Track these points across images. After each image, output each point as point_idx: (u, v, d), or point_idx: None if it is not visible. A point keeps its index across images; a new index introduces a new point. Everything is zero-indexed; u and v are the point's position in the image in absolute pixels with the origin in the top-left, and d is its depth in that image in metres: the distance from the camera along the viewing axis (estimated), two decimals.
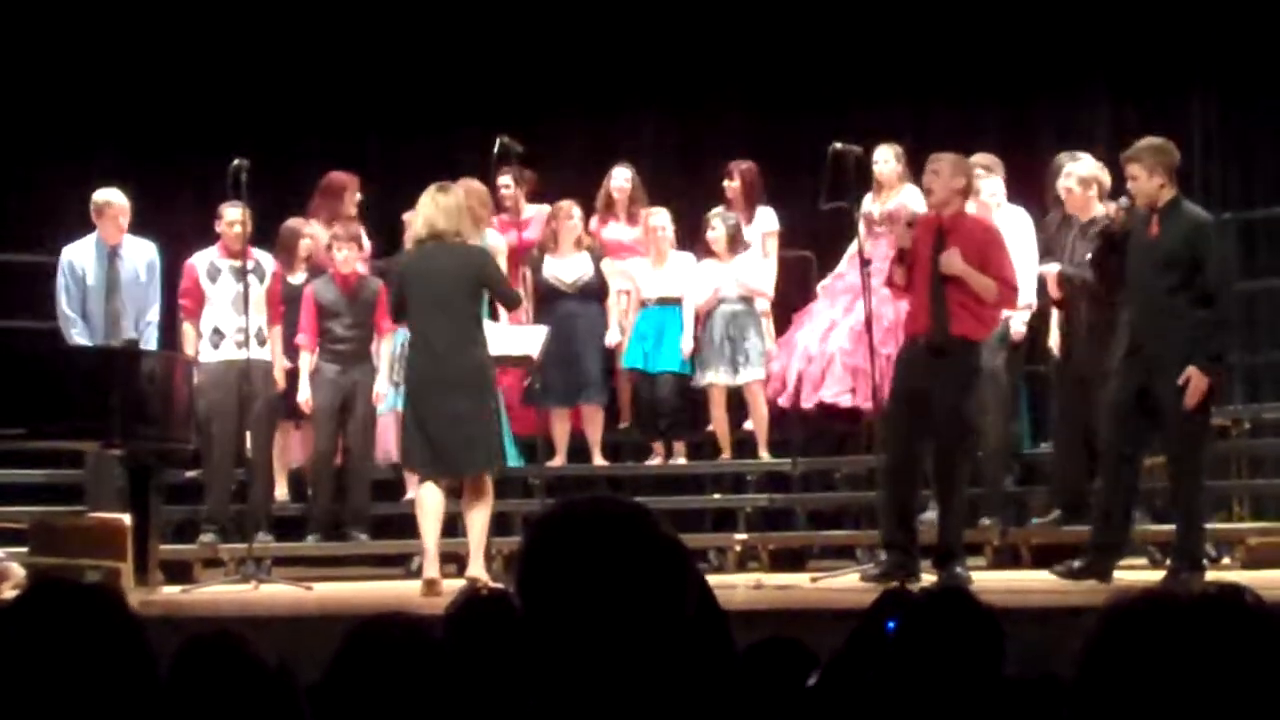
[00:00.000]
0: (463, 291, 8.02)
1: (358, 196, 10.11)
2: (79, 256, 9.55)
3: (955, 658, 2.96)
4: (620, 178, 10.37)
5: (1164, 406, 7.48)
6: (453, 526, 9.47)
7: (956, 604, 3.07)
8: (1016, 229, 9.05)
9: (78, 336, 9.44)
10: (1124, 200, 7.90)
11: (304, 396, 9.60)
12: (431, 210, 8.13)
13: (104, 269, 9.53)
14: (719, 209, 10.10)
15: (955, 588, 3.20)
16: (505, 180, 10.19)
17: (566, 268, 10.06)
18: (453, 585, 7.67)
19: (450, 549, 9.63)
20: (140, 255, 9.64)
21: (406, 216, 9.81)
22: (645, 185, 10.44)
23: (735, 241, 9.97)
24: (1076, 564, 7.68)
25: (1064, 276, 8.77)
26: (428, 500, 8.15)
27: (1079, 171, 8.92)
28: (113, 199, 9.53)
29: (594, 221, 10.43)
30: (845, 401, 9.49)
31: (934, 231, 7.88)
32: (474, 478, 8.13)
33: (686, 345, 9.97)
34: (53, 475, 10.09)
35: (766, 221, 10.25)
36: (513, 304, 8.63)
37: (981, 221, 8.27)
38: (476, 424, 8.03)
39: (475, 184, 9.77)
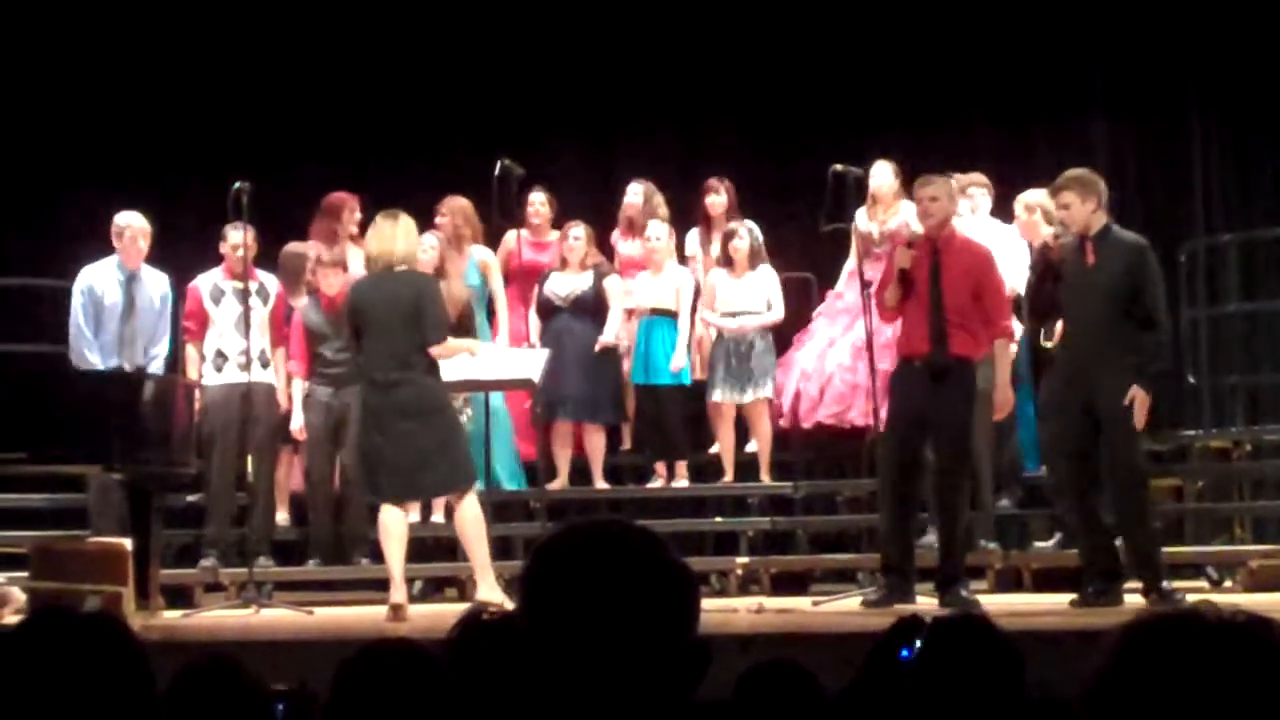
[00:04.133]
0: (404, 319, 8.00)
1: (357, 215, 10.10)
2: (98, 278, 9.52)
3: (977, 686, 2.94)
4: (632, 194, 10.41)
5: (1107, 430, 7.63)
6: (452, 551, 9.47)
7: (976, 632, 3.06)
8: (1003, 246, 9.10)
9: (91, 357, 9.41)
10: (1057, 228, 8.03)
11: (296, 424, 9.58)
12: (377, 239, 8.18)
13: (122, 292, 9.52)
14: (739, 221, 10.08)
15: (975, 615, 3.17)
16: (539, 197, 10.24)
17: (564, 283, 10.06)
18: (453, 609, 7.66)
19: (450, 573, 9.66)
20: (156, 285, 9.64)
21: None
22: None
23: (755, 256, 9.99)
24: (1090, 590, 7.71)
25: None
26: (391, 524, 8.13)
27: (1025, 199, 9.02)
28: (133, 222, 9.52)
29: (617, 237, 10.50)
30: (847, 420, 9.50)
31: (929, 252, 7.92)
32: (456, 498, 8.15)
33: (678, 360, 9.96)
34: (54, 500, 10.08)
35: (757, 233, 10.28)
36: (437, 338, 8.09)
37: (973, 243, 8.32)
38: (433, 447, 8.02)
39: (460, 201, 9.82)
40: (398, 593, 8.00)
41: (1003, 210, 9.48)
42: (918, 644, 3.07)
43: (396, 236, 8.14)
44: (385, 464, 8.05)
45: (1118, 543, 7.84)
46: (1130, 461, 7.71)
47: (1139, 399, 7.55)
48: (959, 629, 3.07)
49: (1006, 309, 8.13)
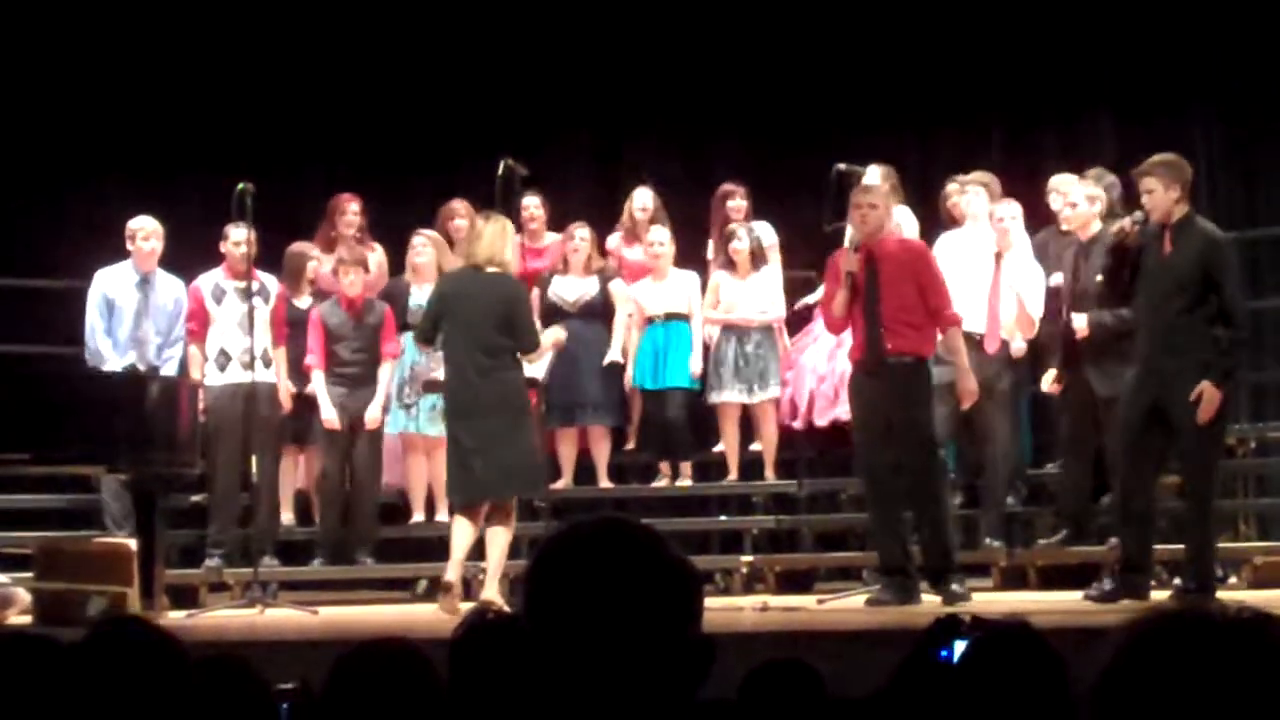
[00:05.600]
0: (493, 318, 8.09)
1: (353, 216, 10.08)
2: (112, 281, 9.57)
3: (1022, 696, 2.92)
4: (643, 198, 10.40)
5: (1178, 424, 7.47)
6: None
7: (1022, 640, 3.04)
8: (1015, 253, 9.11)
9: (108, 358, 9.43)
10: (1138, 215, 7.87)
11: (328, 415, 9.54)
12: (472, 237, 8.32)
13: (136, 295, 9.56)
14: (738, 223, 10.08)
15: (1019, 623, 3.14)
16: (533, 200, 10.24)
17: (570, 288, 10.07)
18: (463, 607, 7.67)
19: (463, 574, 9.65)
20: (170, 289, 9.68)
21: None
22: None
23: (757, 257, 9.99)
24: (1108, 585, 7.66)
25: (1093, 322, 8.53)
26: (463, 524, 8.22)
27: (1086, 189, 8.91)
28: (146, 225, 9.57)
29: (617, 242, 10.48)
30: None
31: (865, 259, 7.99)
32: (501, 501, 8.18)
33: (696, 364, 9.97)
34: (58, 500, 10.09)
35: (770, 234, 10.27)
36: (528, 348, 8.29)
37: (907, 243, 8.37)
38: (510, 448, 8.07)
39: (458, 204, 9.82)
40: (453, 571, 8.09)
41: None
42: (956, 644, 3.05)
43: (490, 237, 8.22)
44: (465, 465, 8.12)
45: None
46: (1203, 469, 7.56)
47: (1207, 394, 7.34)
48: (1006, 638, 3.04)
49: (948, 298, 8.10)
